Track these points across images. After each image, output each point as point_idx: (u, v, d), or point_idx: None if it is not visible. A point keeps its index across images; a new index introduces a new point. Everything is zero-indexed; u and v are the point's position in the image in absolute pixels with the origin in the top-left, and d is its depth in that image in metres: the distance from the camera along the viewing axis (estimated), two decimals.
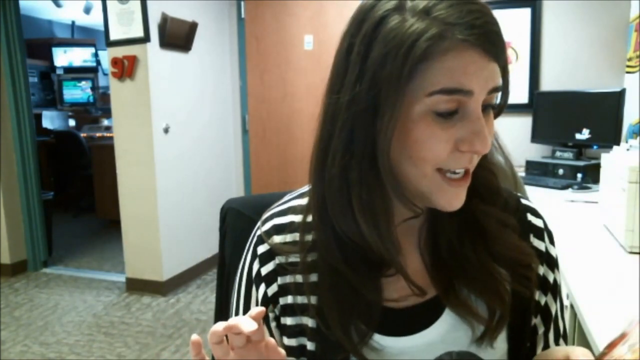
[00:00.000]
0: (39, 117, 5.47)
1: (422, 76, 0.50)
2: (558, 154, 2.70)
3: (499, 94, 0.56)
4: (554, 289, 0.65)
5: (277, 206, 0.68)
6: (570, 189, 2.32)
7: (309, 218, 0.62)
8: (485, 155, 0.59)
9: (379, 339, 0.59)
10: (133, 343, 2.69)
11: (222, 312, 0.89)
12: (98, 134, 5.48)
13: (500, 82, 0.52)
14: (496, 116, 0.58)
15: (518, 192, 0.69)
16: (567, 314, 1.19)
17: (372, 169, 0.54)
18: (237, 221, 0.87)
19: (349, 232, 0.57)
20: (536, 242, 0.65)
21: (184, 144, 3.43)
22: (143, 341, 2.71)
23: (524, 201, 0.67)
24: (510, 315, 0.59)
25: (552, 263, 0.65)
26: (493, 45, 0.50)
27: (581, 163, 2.50)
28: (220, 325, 0.48)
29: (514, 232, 0.61)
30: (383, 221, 0.56)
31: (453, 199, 0.55)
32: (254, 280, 0.64)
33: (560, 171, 2.54)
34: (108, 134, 5.28)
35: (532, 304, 0.63)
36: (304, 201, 0.65)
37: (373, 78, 0.51)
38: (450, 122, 0.52)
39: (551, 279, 0.65)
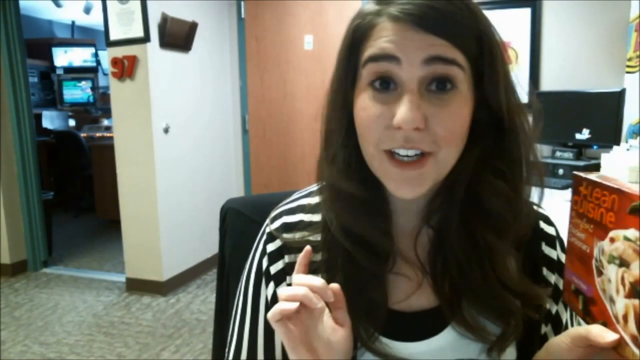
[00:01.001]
0: (39, 117, 5.47)
1: (359, 52, 0.53)
2: (558, 154, 2.70)
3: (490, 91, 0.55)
4: None
5: (286, 204, 0.67)
6: (570, 189, 2.32)
7: (318, 217, 0.62)
8: (495, 171, 0.56)
9: (388, 342, 0.58)
10: (133, 343, 2.69)
11: (222, 312, 0.89)
12: (98, 134, 5.48)
13: (444, 54, 0.50)
14: (511, 121, 0.57)
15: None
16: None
17: (358, 156, 0.56)
18: (237, 221, 0.86)
19: (347, 223, 0.58)
20: (547, 250, 0.64)
21: (184, 144, 3.43)
22: (143, 341, 2.71)
23: (536, 209, 0.65)
24: (521, 326, 0.58)
25: (563, 271, 0.64)
26: (426, 18, 0.49)
27: (581, 163, 2.50)
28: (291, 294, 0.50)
29: (522, 270, 0.59)
30: (374, 211, 0.57)
31: (402, 184, 0.53)
32: (264, 277, 0.64)
33: (560, 171, 2.54)
34: (108, 134, 5.27)
35: (542, 314, 0.62)
36: (312, 200, 0.65)
37: (339, 62, 0.56)
38: (387, 98, 0.52)
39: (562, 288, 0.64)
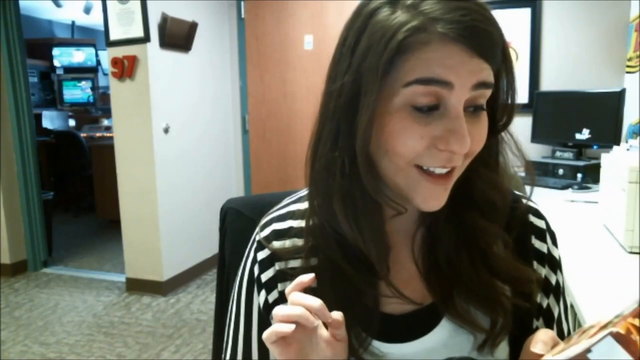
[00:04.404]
0: (39, 117, 5.47)
1: (400, 68, 0.49)
2: (558, 154, 2.70)
3: (499, 96, 0.55)
4: (557, 291, 0.64)
5: (275, 211, 0.67)
6: (570, 189, 2.32)
7: (309, 222, 0.61)
8: (488, 166, 0.58)
9: (379, 345, 0.58)
10: (133, 343, 2.69)
11: (222, 312, 0.89)
12: (98, 134, 5.48)
13: (487, 78, 0.50)
14: (506, 124, 0.58)
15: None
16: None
17: (353, 163, 0.54)
18: (237, 221, 0.86)
19: (335, 226, 0.57)
20: (538, 244, 0.63)
21: (184, 144, 3.43)
22: (143, 341, 2.71)
23: (526, 202, 0.65)
24: (512, 321, 0.58)
25: (554, 264, 0.64)
26: (476, 41, 0.48)
27: (581, 163, 2.50)
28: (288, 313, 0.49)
29: (512, 253, 0.59)
30: (365, 218, 0.55)
31: (429, 197, 0.53)
32: (255, 285, 0.64)
33: (560, 171, 2.54)
34: (108, 134, 5.28)
35: (533, 308, 0.62)
36: (302, 205, 0.65)
37: (357, 70, 0.51)
38: (429, 118, 0.50)
39: (553, 281, 0.64)
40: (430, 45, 0.48)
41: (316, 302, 0.49)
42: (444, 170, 0.52)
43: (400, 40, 0.48)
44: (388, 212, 0.58)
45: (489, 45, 0.49)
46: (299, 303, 0.50)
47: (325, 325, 0.53)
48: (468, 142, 0.50)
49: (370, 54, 0.50)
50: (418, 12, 0.49)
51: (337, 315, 0.51)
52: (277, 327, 0.49)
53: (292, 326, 0.48)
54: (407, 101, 0.50)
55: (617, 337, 0.35)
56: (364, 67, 0.51)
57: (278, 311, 0.50)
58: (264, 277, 0.63)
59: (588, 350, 0.36)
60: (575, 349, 0.38)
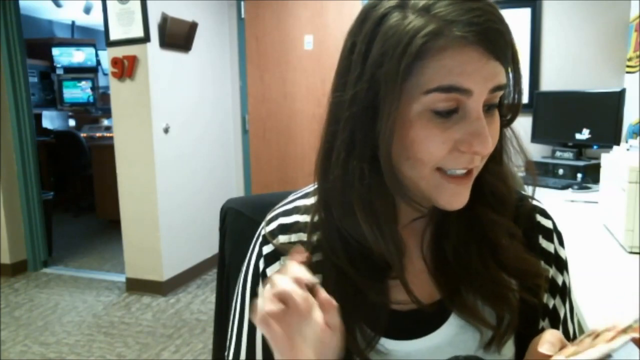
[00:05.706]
0: (39, 117, 5.47)
1: (419, 74, 0.49)
2: (558, 154, 2.70)
3: (506, 93, 0.56)
4: (563, 292, 0.64)
5: (282, 206, 0.67)
6: (570, 189, 2.32)
7: (315, 218, 0.61)
8: (495, 160, 0.59)
9: (384, 342, 0.58)
10: (133, 343, 2.69)
11: (222, 312, 0.89)
12: (98, 134, 5.48)
13: (503, 80, 0.51)
14: (512, 120, 0.58)
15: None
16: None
17: (372, 170, 0.54)
18: (237, 221, 0.86)
19: (353, 233, 0.57)
20: (545, 244, 0.64)
21: (184, 144, 3.43)
22: (143, 341, 2.71)
23: (534, 202, 0.66)
24: (518, 319, 0.58)
25: (561, 265, 0.64)
26: (493, 44, 0.48)
27: (581, 163, 2.50)
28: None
29: (521, 245, 0.60)
30: (385, 222, 0.55)
31: (453, 197, 0.54)
32: (260, 279, 0.64)
33: (560, 171, 2.54)
34: (108, 134, 5.28)
35: (540, 307, 0.62)
36: (308, 201, 0.65)
37: (372, 77, 0.51)
38: (449, 122, 0.51)
39: (560, 282, 0.64)
40: (448, 51, 0.48)
41: (305, 274, 0.49)
42: (464, 171, 0.53)
43: (419, 46, 0.48)
44: (405, 213, 0.58)
45: (503, 47, 0.50)
46: (289, 275, 0.49)
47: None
48: (490, 143, 0.51)
49: (386, 60, 0.49)
50: (432, 16, 0.48)
51: (327, 297, 0.50)
52: (265, 307, 0.48)
53: (280, 306, 0.48)
54: (427, 107, 0.50)
55: (639, 343, 0.35)
56: (379, 75, 0.50)
57: (266, 291, 0.49)
58: (269, 272, 0.63)
59: (609, 355, 0.36)
60: (593, 352, 0.37)
